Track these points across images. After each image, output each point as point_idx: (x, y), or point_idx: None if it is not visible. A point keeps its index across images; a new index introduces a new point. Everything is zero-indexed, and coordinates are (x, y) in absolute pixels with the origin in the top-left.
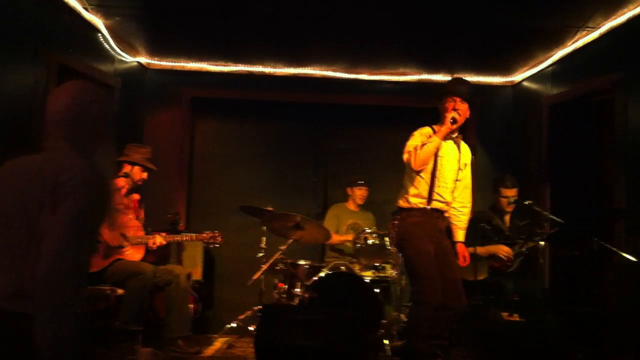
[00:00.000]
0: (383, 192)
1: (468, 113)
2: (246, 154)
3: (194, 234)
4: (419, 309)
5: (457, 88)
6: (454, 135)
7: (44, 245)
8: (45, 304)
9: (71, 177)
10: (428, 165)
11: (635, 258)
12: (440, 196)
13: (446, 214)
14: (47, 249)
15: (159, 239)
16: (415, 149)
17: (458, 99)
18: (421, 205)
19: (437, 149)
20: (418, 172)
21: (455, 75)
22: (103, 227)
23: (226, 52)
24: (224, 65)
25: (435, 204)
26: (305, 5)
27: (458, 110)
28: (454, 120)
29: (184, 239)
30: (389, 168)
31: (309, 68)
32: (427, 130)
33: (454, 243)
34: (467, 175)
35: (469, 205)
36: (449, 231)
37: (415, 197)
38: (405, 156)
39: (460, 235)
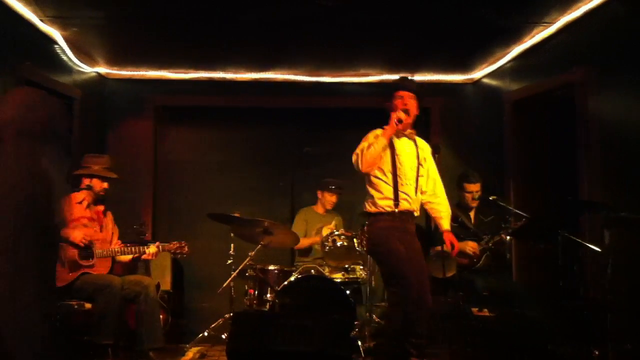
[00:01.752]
0: (350, 194)
1: (417, 110)
2: (212, 160)
3: (160, 245)
4: (396, 310)
5: (405, 83)
6: (406, 132)
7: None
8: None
9: (15, 185)
10: (387, 165)
11: (601, 249)
12: (406, 195)
13: (416, 213)
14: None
15: (153, 249)
16: (362, 150)
17: (406, 95)
18: (389, 209)
19: (393, 148)
20: (362, 174)
21: (417, 75)
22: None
23: (187, 59)
24: (186, 73)
25: (403, 204)
26: (267, 10)
27: (406, 107)
28: (399, 121)
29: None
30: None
31: (272, 72)
32: (378, 132)
33: (441, 234)
34: (430, 168)
35: (443, 194)
36: (420, 230)
37: (382, 200)
38: (353, 158)
39: (445, 224)
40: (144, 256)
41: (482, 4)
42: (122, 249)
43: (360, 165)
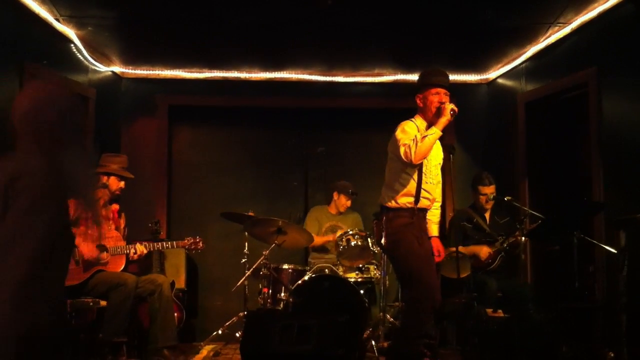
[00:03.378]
0: (362, 194)
1: None
2: (226, 160)
3: (175, 241)
4: (416, 311)
5: (440, 80)
6: None
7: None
8: (10, 298)
9: (20, 176)
10: None
11: (616, 250)
12: (428, 193)
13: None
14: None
15: (140, 248)
16: (415, 141)
17: (442, 91)
18: (409, 205)
19: None
20: (415, 166)
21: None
22: (79, 239)
23: (202, 59)
24: (200, 72)
25: (423, 202)
26: (281, 10)
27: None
28: (454, 112)
29: (165, 246)
30: (368, 169)
31: (285, 72)
32: (412, 124)
33: (429, 238)
34: (439, 171)
35: (440, 200)
36: None
37: (403, 196)
38: (402, 150)
39: (434, 229)
40: (130, 257)
41: (497, 4)
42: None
43: (413, 157)
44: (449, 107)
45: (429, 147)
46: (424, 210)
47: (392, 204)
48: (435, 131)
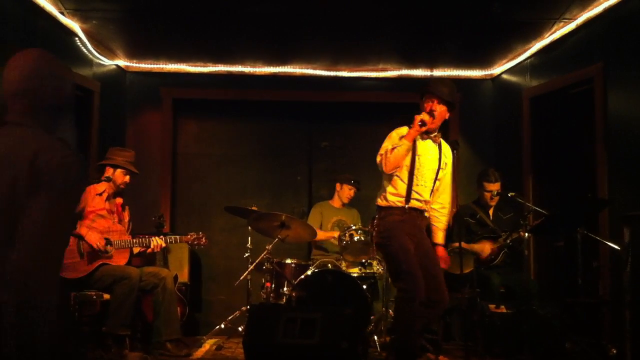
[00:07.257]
0: (367, 188)
1: (447, 115)
2: (230, 153)
3: (178, 236)
4: (405, 306)
5: (436, 88)
6: (432, 135)
7: (21, 230)
8: (19, 289)
9: (50, 158)
10: (405, 164)
11: (620, 247)
12: (419, 194)
13: (426, 214)
14: (24, 233)
15: (159, 241)
16: (387, 152)
17: (436, 100)
18: (399, 204)
19: (415, 148)
20: (394, 173)
21: (436, 71)
22: (83, 230)
23: (206, 53)
24: (204, 66)
25: (414, 203)
26: (285, 4)
27: (434, 112)
28: (423, 123)
29: (168, 241)
30: (373, 164)
31: (290, 66)
32: (404, 130)
33: (434, 245)
34: (447, 174)
35: (449, 206)
36: (428, 231)
37: (393, 195)
38: (377, 159)
39: (439, 237)
40: (148, 250)
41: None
42: (131, 241)
43: (384, 167)
44: (419, 117)
45: (398, 157)
46: (419, 210)
47: (384, 202)
48: (404, 142)
